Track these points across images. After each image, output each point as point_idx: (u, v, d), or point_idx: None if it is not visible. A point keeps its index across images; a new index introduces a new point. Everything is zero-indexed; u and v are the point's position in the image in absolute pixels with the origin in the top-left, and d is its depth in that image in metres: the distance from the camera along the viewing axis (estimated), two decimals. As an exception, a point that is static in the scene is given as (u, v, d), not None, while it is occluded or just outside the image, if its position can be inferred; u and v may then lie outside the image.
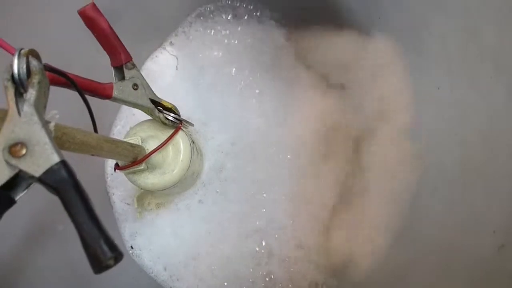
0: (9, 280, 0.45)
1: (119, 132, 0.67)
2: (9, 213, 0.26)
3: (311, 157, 0.63)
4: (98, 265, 0.24)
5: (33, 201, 0.50)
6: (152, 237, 0.63)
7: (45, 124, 0.27)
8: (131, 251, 0.62)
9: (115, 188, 0.65)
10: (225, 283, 0.60)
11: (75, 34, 0.52)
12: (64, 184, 0.25)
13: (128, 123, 0.67)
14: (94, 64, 0.49)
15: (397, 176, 0.53)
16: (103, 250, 0.24)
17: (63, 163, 0.26)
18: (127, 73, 0.46)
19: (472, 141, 0.44)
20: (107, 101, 0.44)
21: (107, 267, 0.24)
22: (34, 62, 0.29)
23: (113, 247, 0.24)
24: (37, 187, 0.27)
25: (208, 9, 0.72)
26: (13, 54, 0.30)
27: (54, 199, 0.53)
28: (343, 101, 0.64)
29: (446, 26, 0.46)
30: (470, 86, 0.44)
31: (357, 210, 0.58)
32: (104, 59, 0.45)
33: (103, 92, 0.44)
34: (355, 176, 0.60)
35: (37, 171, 0.25)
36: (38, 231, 0.51)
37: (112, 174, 0.66)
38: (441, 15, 0.46)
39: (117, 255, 0.24)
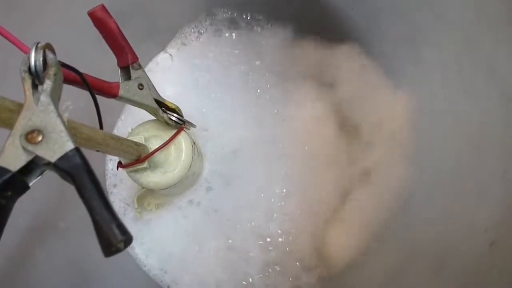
0: (10, 276, 0.46)
1: (120, 133, 0.68)
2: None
3: (308, 158, 0.65)
4: (109, 248, 0.25)
5: (35, 198, 0.50)
6: (149, 234, 0.64)
7: (60, 113, 0.28)
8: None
9: (114, 187, 0.66)
10: (219, 278, 0.61)
11: (79, 34, 0.53)
12: (78, 170, 0.26)
13: (129, 124, 0.68)
14: (97, 64, 0.50)
15: (392, 179, 0.55)
16: (114, 233, 0.25)
17: (77, 150, 0.27)
18: (133, 73, 0.47)
19: (465, 148, 0.45)
20: (109, 102, 0.45)
21: (118, 250, 0.25)
22: (50, 55, 0.30)
23: (124, 230, 0.25)
24: (41, 181, 0.28)
25: (208, 16, 0.73)
26: (23, 51, 0.32)
27: (56, 197, 0.54)
28: (341, 110, 0.66)
29: (442, 37, 0.48)
30: (464, 95, 0.45)
31: (351, 212, 0.59)
32: (107, 59, 0.46)
33: (109, 91, 0.45)
34: (350, 177, 0.61)
35: (53, 157, 0.26)
36: (40, 228, 0.51)
37: (112, 172, 0.67)
38: (438, 27, 0.48)
39: (127, 238, 0.25)
